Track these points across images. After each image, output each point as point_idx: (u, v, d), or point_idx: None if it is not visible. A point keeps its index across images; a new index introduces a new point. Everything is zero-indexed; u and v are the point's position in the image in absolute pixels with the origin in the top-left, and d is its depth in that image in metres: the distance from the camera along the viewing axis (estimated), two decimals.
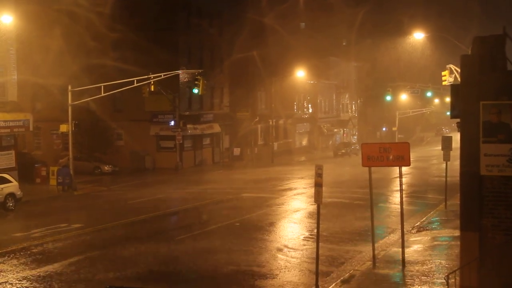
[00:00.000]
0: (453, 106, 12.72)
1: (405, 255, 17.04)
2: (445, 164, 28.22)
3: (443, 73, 38.23)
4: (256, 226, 23.95)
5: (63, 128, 38.94)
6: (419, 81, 78.45)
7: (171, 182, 42.14)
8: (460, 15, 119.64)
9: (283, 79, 65.04)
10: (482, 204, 11.87)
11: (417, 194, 33.97)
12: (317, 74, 75.54)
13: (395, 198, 30.86)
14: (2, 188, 28.96)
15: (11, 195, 29.46)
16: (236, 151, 59.60)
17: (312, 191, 15.88)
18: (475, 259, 11.88)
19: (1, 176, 29.84)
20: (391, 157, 16.58)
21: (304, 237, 21.83)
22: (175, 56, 51.73)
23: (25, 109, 39.94)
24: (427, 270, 16.28)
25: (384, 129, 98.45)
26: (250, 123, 62.49)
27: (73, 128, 38.24)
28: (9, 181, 29.83)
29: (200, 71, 43.87)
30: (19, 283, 15.95)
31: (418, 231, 22.51)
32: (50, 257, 18.88)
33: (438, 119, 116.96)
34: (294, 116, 73.73)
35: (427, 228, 23.17)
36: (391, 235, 21.98)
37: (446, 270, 15.55)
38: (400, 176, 17.61)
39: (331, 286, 15.09)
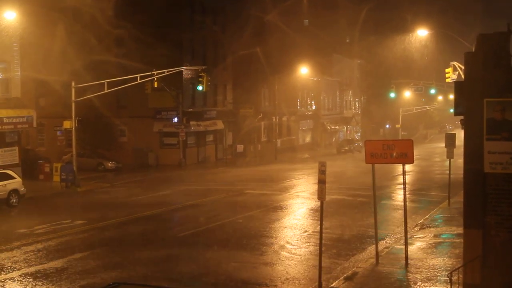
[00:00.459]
0: (457, 104, 12.70)
1: (408, 253, 17.02)
2: (448, 162, 28.21)
3: (446, 70, 38.14)
4: (259, 223, 23.98)
5: (67, 124, 38.98)
6: (422, 78, 78.41)
7: (174, 179, 42.16)
8: (464, 12, 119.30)
9: (286, 76, 64.98)
10: (486, 201, 11.86)
11: (421, 192, 33.98)
12: (320, 71, 75.45)
13: (398, 195, 30.85)
14: (5, 185, 29.03)
15: (15, 191, 29.53)
16: (240, 148, 59.60)
17: (315, 188, 15.87)
18: (478, 257, 11.87)
19: (5, 173, 29.92)
20: (394, 154, 16.55)
21: (307, 234, 21.84)
22: (178, 52, 51.77)
23: (29, 105, 39.94)
24: (430, 268, 16.28)
25: (387, 126, 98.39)
26: (254, 120, 62.49)
27: (76, 125, 38.31)
28: (13, 178, 29.88)
29: (203, 67, 43.83)
30: (23, 279, 15.99)
31: (422, 228, 22.50)
32: (54, 254, 18.91)
33: (442, 117, 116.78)
34: (297, 113, 73.68)
35: (431, 225, 23.17)
36: (395, 232, 21.96)
37: (449, 268, 15.56)
38: (404, 173, 17.61)
39: (334, 283, 15.09)
